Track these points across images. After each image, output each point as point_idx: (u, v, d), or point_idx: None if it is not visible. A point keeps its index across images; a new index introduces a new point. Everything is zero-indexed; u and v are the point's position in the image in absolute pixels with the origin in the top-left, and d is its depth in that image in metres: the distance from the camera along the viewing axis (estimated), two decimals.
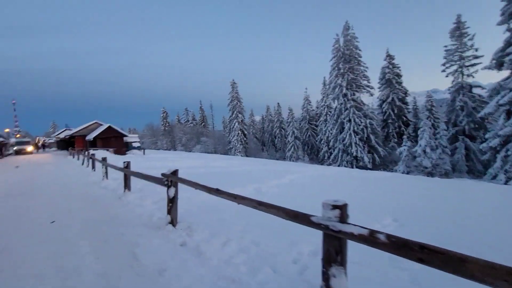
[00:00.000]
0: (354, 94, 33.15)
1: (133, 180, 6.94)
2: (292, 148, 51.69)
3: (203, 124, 69.35)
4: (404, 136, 28.46)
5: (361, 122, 32.02)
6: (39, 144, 56.82)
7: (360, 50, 33.85)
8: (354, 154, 31.81)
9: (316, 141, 51.87)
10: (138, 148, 29.84)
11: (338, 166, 33.07)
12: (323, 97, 48.81)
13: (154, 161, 16.44)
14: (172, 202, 3.59)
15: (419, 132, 27.06)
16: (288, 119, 61.99)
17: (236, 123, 55.03)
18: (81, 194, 6.93)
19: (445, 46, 27.83)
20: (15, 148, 36.71)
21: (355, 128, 31.97)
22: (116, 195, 6.30)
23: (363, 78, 33.72)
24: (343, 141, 33.42)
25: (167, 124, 67.37)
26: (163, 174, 3.76)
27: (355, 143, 31.88)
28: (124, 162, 5.91)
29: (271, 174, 10.50)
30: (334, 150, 36.19)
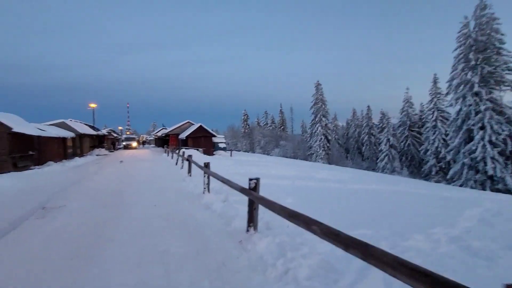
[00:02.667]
0: (491, 93, 24.93)
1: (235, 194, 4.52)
2: (386, 158, 44.22)
3: (282, 127, 67.54)
4: None
5: (503, 130, 23.68)
6: (141, 141, 66.23)
7: (502, 34, 25.38)
8: (490, 172, 23.71)
9: (419, 151, 42.93)
10: (224, 149, 29.51)
11: (461, 185, 25.37)
12: (432, 98, 39.86)
13: (246, 166, 14.52)
14: None
15: None
16: (380, 124, 54.11)
17: (319, 127, 50.87)
18: (179, 214, 4.88)
19: None
20: (124, 143, 43.03)
21: (492, 138, 23.84)
22: (231, 231, 3.88)
23: (507, 71, 25.03)
24: (470, 154, 25.53)
25: (247, 126, 68.28)
26: None
27: (492, 157, 23.75)
28: (250, 181, 3.39)
29: (432, 203, 6.71)
30: (453, 165, 28.30)
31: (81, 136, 23.85)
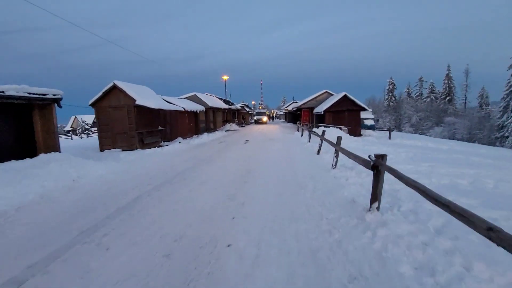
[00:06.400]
0: None
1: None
2: None
3: (447, 98, 49.38)
4: None
5: None
6: (271, 115, 67.00)
7: None
8: None
9: None
10: (372, 127, 21.80)
11: None
12: None
13: (456, 168, 7.35)
14: None
15: None
16: None
17: None
18: None
19: None
20: (255, 117, 42.65)
21: None
22: None
23: None
24: None
25: (393, 98, 54.44)
26: None
27: None
28: None
29: None
30: None
31: (214, 110, 23.00)
